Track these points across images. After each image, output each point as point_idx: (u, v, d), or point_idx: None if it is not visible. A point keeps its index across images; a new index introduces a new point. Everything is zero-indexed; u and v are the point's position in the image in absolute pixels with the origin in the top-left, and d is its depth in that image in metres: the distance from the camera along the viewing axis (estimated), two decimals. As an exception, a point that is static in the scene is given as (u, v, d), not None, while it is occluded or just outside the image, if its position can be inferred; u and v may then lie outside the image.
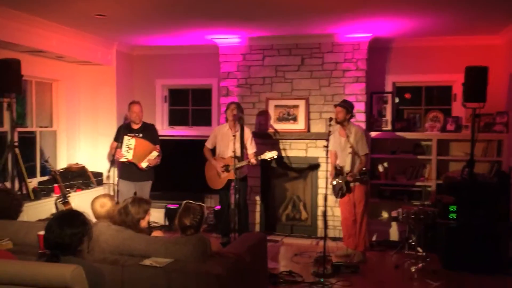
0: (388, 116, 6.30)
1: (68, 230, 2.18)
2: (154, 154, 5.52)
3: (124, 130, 5.51)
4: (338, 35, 5.92)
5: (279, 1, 4.47)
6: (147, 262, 2.73)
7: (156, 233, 3.11)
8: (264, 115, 6.20)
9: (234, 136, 5.18)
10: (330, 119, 5.07)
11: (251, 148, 5.47)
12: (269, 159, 5.28)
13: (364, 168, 4.96)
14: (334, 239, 5.82)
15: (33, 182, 5.72)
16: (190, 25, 5.55)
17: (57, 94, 6.40)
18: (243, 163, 5.29)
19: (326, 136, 5.22)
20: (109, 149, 5.80)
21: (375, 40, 5.98)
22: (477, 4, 4.54)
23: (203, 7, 4.70)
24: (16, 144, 5.30)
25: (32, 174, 6.01)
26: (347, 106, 5.11)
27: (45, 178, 6.00)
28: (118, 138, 5.50)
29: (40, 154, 6.22)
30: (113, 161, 5.54)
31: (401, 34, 5.90)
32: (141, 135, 5.44)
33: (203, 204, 3.21)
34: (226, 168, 5.41)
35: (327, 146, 4.80)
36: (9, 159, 5.26)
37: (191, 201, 3.22)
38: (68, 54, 5.83)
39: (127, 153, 5.35)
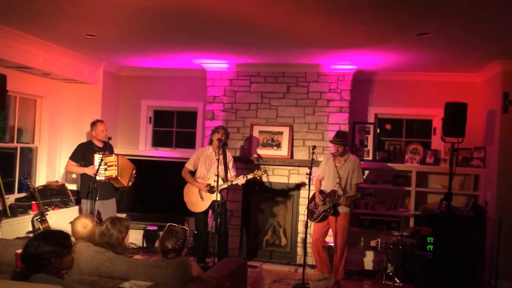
0: (370, 146, 6.41)
1: (38, 248, 2.18)
2: (134, 171, 5.52)
3: (87, 148, 5.42)
4: (324, 66, 6.06)
5: (267, 31, 4.58)
6: (126, 285, 2.70)
7: (137, 257, 3.08)
8: (248, 140, 6.25)
9: (217, 159, 5.21)
10: (313, 147, 5.16)
11: (232, 171, 5.55)
12: (258, 178, 5.39)
13: (371, 190, 5.02)
14: (313, 266, 5.80)
15: (10, 199, 5.62)
16: (179, 49, 5.61)
17: (41, 110, 6.36)
18: (231, 182, 5.33)
19: (308, 164, 5.32)
20: (67, 168, 5.58)
21: (359, 72, 6.14)
22: (459, 45, 4.73)
23: (192, 32, 4.78)
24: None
25: (10, 190, 5.90)
26: (345, 141, 5.19)
27: (23, 194, 5.89)
28: (79, 157, 5.39)
29: (20, 170, 6.12)
30: (95, 180, 5.38)
31: (385, 67, 6.07)
32: (107, 152, 5.32)
33: (186, 228, 3.20)
34: (211, 189, 5.38)
35: (309, 174, 4.86)
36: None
37: (174, 224, 3.21)
38: (54, 72, 5.82)
39: (107, 171, 5.24)
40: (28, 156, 6.37)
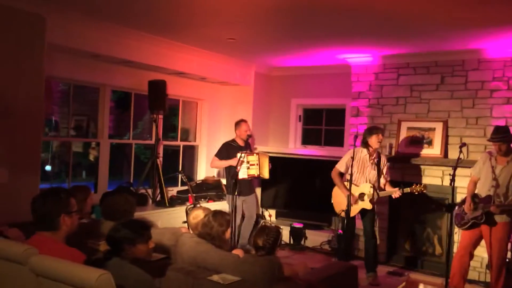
0: (552, 144, 5.28)
1: (117, 232, 2.38)
2: (268, 160, 5.68)
3: (230, 146, 5.71)
4: (486, 51, 5.23)
5: (417, 17, 4.18)
6: (215, 277, 2.78)
7: (236, 251, 3.14)
8: (395, 137, 5.79)
9: (374, 164, 5.00)
10: (463, 144, 4.52)
11: (387, 177, 5.11)
12: (416, 193, 4.87)
13: None
14: (471, 281, 5.08)
15: (173, 191, 6.35)
16: (321, 45, 5.52)
17: (201, 112, 7.01)
18: (386, 193, 4.99)
19: (467, 164, 4.75)
20: (212, 163, 5.94)
21: (534, 55, 5.12)
22: None
23: (332, 28, 4.67)
24: (159, 156, 5.97)
25: (175, 184, 6.66)
26: (508, 137, 4.36)
27: (185, 187, 6.57)
28: (223, 154, 5.69)
29: (183, 166, 6.86)
30: (235, 175, 5.64)
31: None
32: (248, 150, 5.58)
33: (281, 228, 3.13)
34: (361, 197, 5.07)
35: (453, 175, 4.25)
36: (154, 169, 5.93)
37: (269, 222, 3.18)
38: (209, 76, 6.36)
39: (249, 169, 5.51)
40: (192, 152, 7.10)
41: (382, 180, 5.08)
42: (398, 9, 3.96)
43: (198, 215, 3.49)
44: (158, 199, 5.93)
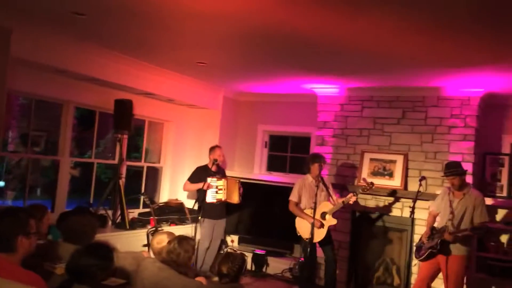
0: (504, 181, 5.55)
1: (85, 260, 2.29)
2: (239, 185, 5.74)
3: (203, 172, 5.75)
4: (445, 89, 5.49)
5: (376, 55, 4.36)
6: (176, 304, 2.72)
7: (199, 279, 3.09)
8: (358, 168, 5.92)
9: (317, 186, 5.08)
10: (422, 177, 4.68)
11: (334, 194, 5.40)
12: (367, 190, 5.19)
13: (484, 225, 4.37)
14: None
15: (135, 213, 6.20)
16: (288, 74, 5.64)
17: (167, 133, 6.94)
18: (346, 200, 5.09)
19: (426, 197, 4.89)
20: (184, 187, 6.03)
21: (489, 95, 5.40)
22: None
23: (299, 59, 4.78)
24: (121, 176, 5.84)
25: (137, 205, 6.51)
26: (459, 171, 4.52)
27: (147, 210, 6.43)
28: (195, 179, 5.75)
29: (146, 187, 6.73)
30: (203, 201, 5.66)
31: (522, 90, 5.23)
32: (219, 175, 5.65)
33: (246, 255, 3.11)
34: (323, 215, 5.17)
35: (413, 207, 4.38)
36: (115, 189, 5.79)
37: (234, 249, 3.16)
38: (177, 98, 6.33)
39: (217, 194, 5.56)
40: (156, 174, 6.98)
41: (334, 196, 5.32)
42: (364, 47, 4.12)
43: (162, 239, 3.42)
44: (118, 221, 5.77)
